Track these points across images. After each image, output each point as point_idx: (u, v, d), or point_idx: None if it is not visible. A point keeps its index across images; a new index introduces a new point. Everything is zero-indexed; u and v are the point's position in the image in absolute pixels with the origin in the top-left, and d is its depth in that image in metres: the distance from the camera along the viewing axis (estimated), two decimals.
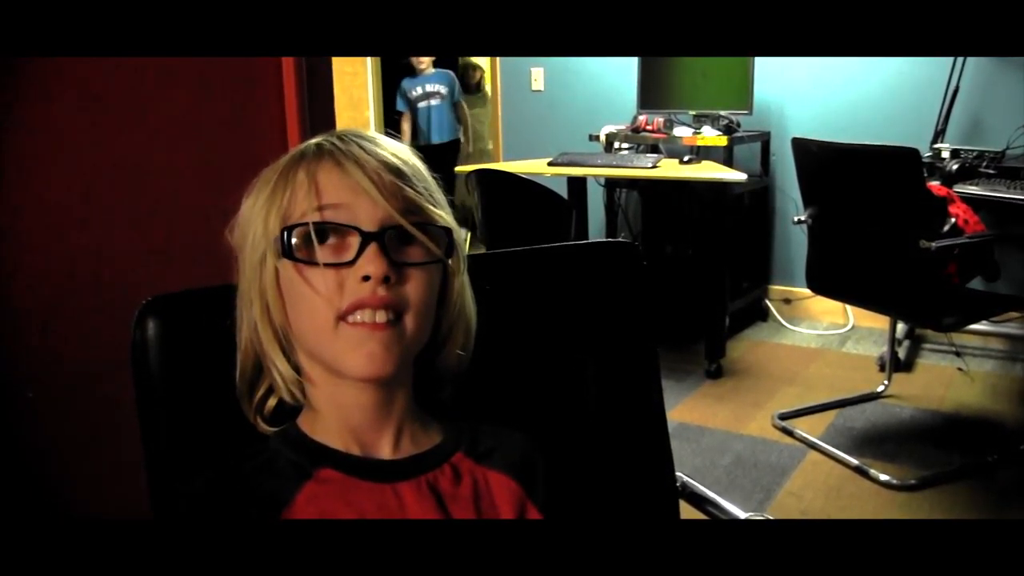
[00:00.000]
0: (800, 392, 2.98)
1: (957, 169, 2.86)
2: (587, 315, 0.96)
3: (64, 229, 1.26)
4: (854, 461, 2.41)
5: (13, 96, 1.21)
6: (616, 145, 3.66)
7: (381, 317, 0.67)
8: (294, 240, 0.67)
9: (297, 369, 0.72)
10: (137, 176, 1.34)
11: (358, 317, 0.67)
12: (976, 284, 2.70)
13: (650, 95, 3.79)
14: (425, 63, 5.05)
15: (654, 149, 3.69)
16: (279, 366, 0.71)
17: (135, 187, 1.34)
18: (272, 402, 0.73)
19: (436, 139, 5.05)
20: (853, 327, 3.66)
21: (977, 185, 2.73)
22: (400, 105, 5.06)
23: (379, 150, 0.70)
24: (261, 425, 0.73)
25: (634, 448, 0.97)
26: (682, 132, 3.55)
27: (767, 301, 3.86)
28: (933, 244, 2.19)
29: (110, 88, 1.31)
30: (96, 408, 1.23)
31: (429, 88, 5.07)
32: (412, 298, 0.69)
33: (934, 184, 2.56)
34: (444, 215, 0.71)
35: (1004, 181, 2.73)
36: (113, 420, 1.04)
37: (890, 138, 3.39)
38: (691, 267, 3.74)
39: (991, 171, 2.86)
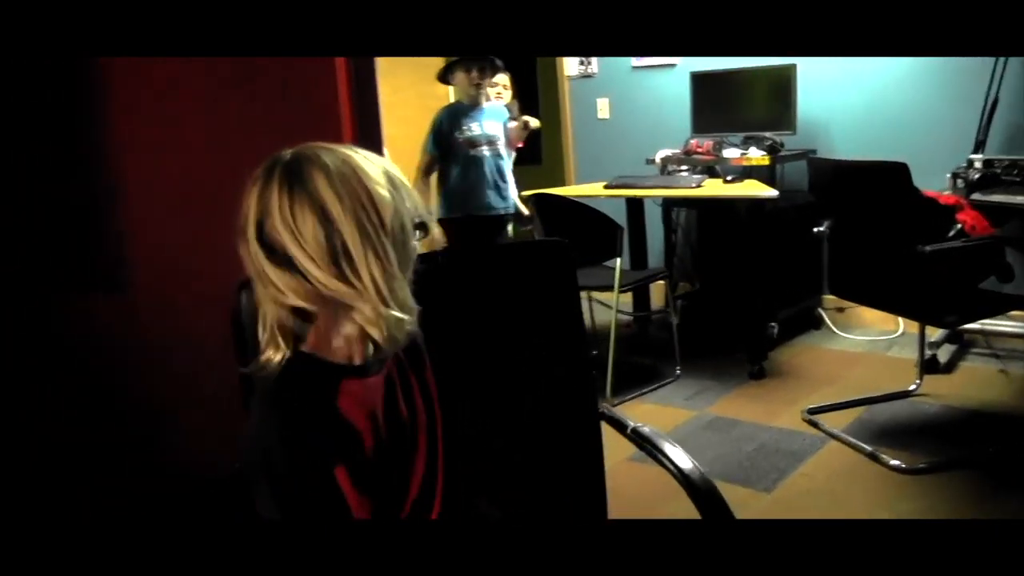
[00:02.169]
0: (837, 391, 3.19)
1: (978, 178, 3.04)
2: (526, 298, 1.33)
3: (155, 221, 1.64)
4: (868, 448, 2.64)
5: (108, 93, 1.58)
6: (669, 168, 3.98)
7: None
8: None
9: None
10: (206, 171, 1.64)
11: None
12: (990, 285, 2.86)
13: (703, 120, 4.09)
14: (499, 85, 3.60)
15: (710, 170, 3.98)
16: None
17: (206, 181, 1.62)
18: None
19: (499, 207, 3.49)
20: (903, 333, 3.82)
21: (994, 192, 2.91)
22: (432, 146, 3.40)
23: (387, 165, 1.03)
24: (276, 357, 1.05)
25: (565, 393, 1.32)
26: (731, 153, 3.83)
27: (820, 310, 4.05)
28: (927, 248, 2.42)
29: (185, 88, 1.61)
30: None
31: (489, 128, 3.43)
32: None
33: (944, 193, 2.76)
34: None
35: (1019, 188, 2.89)
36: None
37: (931, 150, 3.59)
38: (741, 279, 3.99)
39: (1017, 179, 3.02)
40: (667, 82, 4.47)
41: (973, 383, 3.19)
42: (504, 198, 3.49)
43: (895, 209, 2.47)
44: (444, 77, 3.49)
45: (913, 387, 3.13)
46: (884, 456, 2.58)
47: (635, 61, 4.61)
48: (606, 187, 3.77)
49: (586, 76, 4.82)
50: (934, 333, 3.48)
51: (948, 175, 3.37)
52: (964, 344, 3.61)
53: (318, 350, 1.02)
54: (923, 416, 2.94)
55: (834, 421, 2.89)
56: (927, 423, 2.88)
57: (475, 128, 3.40)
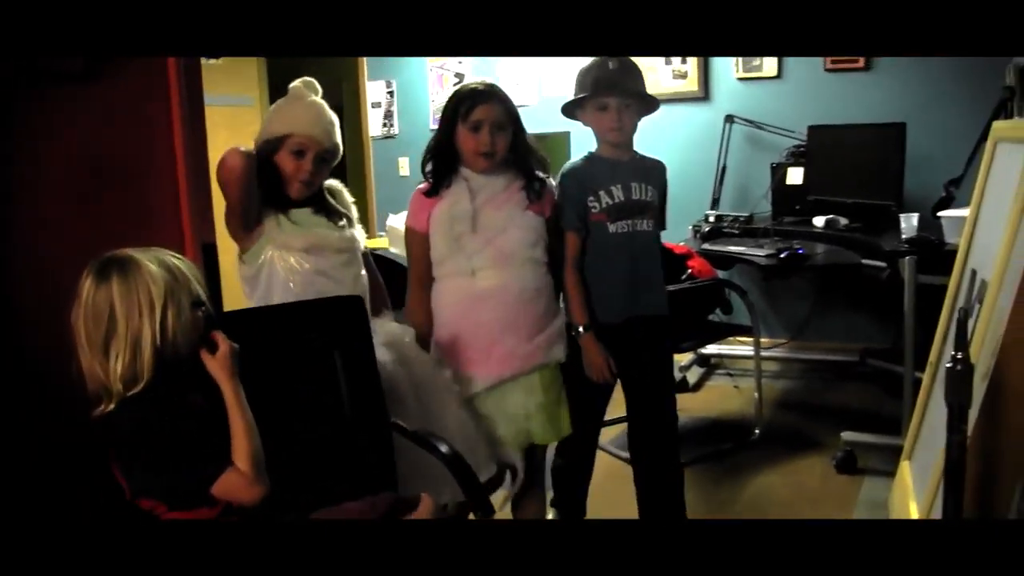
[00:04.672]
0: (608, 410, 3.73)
1: (708, 231, 3.74)
2: (326, 343, 1.72)
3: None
4: (625, 455, 3.17)
5: None
6: None
7: None
8: None
9: None
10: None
11: None
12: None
13: None
14: (628, 127, 2.26)
15: None
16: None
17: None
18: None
19: (655, 308, 2.39)
20: None
21: (717, 243, 3.60)
22: (571, 219, 2.22)
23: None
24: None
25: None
26: None
27: None
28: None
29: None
30: None
31: (637, 191, 2.27)
32: None
33: (679, 244, 3.40)
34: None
35: (738, 240, 3.61)
36: None
37: (681, 207, 4.27)
38: None
39: (735, 231, 3.75)
40: None
41: (714, 397, 3.86)
42: (661, 298, 2.40)
43: None
44: (571, 112, 2.34)
45: None
46: None
47: (433, 123, 5.10)
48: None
49: (388, 137, 5.25)
50: (683, 359, 4.16)
51: (690, 227, 4.09)
52: (710, 367, 4.32)
53: None
54: None
55: (603, 435, 3.42)
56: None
57: (616, 192, 2.24)
